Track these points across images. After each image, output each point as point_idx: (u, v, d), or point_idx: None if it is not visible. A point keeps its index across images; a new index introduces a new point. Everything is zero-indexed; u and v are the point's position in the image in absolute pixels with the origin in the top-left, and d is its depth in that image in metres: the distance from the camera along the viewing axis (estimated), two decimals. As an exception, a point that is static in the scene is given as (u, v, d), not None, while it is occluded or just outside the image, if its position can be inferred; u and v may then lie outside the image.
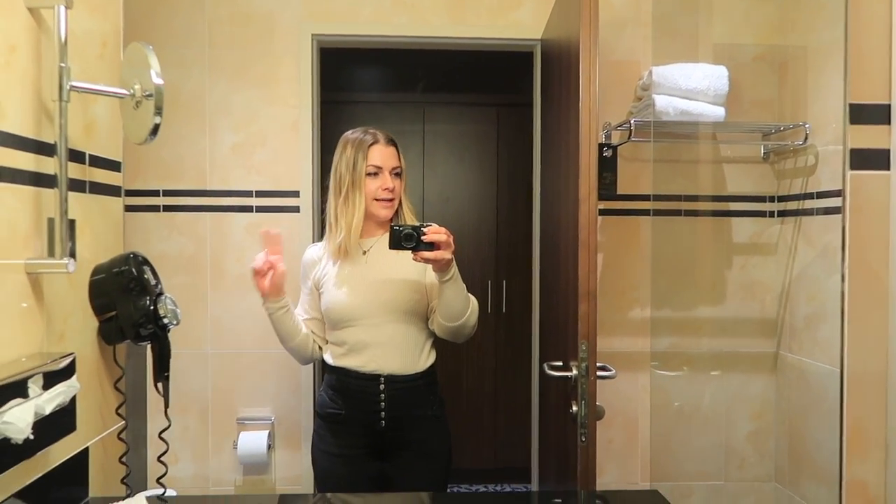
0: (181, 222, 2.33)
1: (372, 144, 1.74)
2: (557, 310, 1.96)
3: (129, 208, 2.29)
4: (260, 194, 2.35)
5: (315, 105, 2.40)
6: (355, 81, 3.79)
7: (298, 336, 1.79)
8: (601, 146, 2.33)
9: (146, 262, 1.33)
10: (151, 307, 1.28)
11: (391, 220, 1.78)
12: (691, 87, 2.19)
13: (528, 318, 2.62)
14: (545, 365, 1.79)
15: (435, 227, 1.54)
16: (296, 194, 2.35)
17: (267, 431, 2.32)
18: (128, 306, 1.27)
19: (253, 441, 2.28)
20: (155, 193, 2.32)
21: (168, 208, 2.33)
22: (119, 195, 1.42)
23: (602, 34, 2.31)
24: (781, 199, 2.41)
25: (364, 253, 1.77)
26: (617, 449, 2.42)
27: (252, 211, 2.35)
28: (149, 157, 2.30)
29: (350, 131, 1.81)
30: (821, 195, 2.16)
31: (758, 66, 2.41)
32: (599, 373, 1.63)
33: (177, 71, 2.31)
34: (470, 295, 1.70)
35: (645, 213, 2.42)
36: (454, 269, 1.60)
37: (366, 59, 3.72)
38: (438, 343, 1.82)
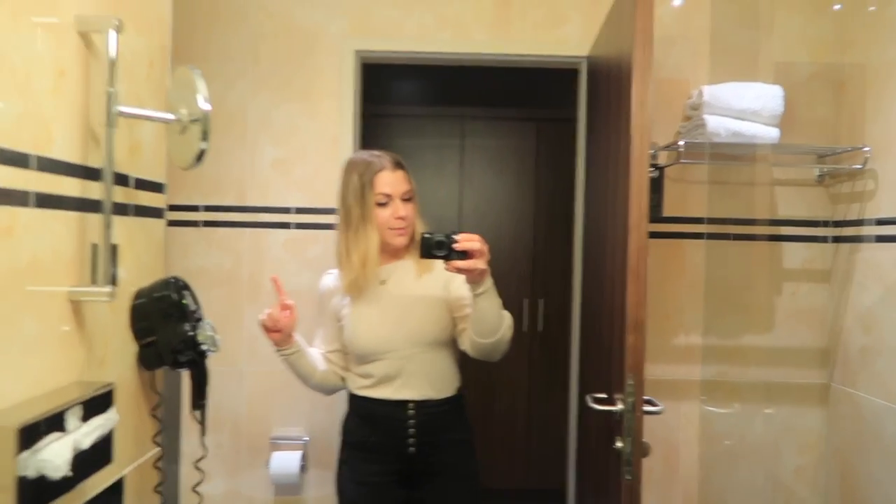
0: (220, 238, 2.33)
1: (379, 171, 1.65)
2: (601, 338, 1.90)
3: (169, 223, 2.29)
4: (299, 210, 2.33)
5: (356, 120, 2.38)
6: (395, 94, 3.77)
7: (317, 374, 1.73)
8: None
9: (187, 286, 1.31)
10: (191, 333, 1.26)
11: (407, 247, 1.71)
12: (744, 108, 2.11)
13: (564, 338, 2.56)
14: (588, 397, 1.73)
15: (467, 234, 1.46)
16: (334, 211, 2.32)
17: (300, 452, 2.29)
18: (167, 332, 1.25)
19: (286, 461, 2.25)
20: (195, 209, 2.32)
21: (208, 223, 2.32)
22: (161, 216, 1.41)
23: (650, 52, 2.25)
24: (837, 223, 2.31)
25: (382, 282, 1.70)
26: (657, 479, 2.34)
27: (290, 227, 2.33)
28: (190, 172, 2.29)
29: (354, 155, 1.74)
30: (881, 222, 2.06)
31: (813, 85, 2.32)
32: (646, 407, 1.57)
33: (219, 85, 2.30)
34: (503, 310, 1.60)
35: (691, 235, 2.34)
36: (489, 281, 1.51)
37: (406, 71, 3.69)
38: (470, 363, 1.75)
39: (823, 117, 2.32)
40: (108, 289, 1.04)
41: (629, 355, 1.54)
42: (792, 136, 2.25)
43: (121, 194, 1.22)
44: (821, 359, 2.34)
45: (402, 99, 3.78)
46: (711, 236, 2.33)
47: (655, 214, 2.31)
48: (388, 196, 1.64)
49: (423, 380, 1.67)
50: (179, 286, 1.29)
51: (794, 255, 2.35)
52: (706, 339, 2.34)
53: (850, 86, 2.25)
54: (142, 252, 1.31)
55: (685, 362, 2.35)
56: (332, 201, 2.31)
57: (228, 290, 2.33)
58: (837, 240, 2.30)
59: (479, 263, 1.44)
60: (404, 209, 1.66)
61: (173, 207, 2.29)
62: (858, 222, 2.18)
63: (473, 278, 1.48)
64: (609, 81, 1.93)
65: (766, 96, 2.12)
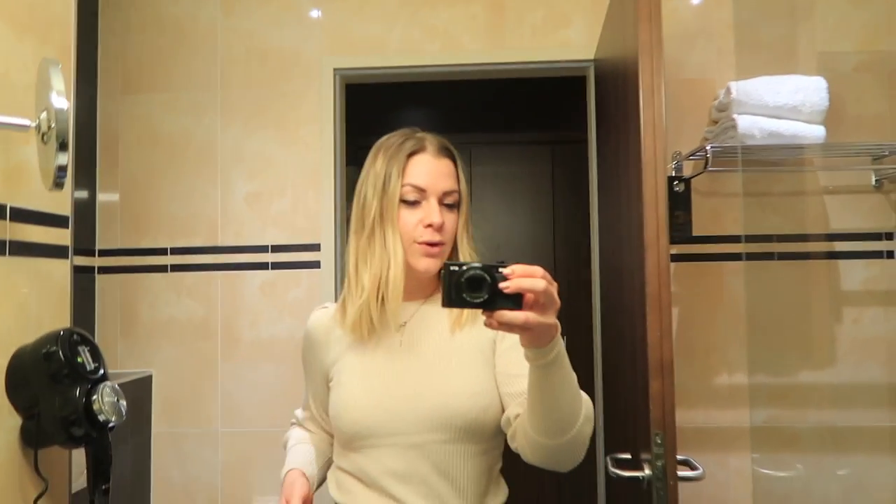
0: (191, 283, 2.08)
1: (414, 153, 1.10)
2: (624, 384, 1.57)
3: (134, 269, 2.08)
4: (276, 249, 2.08)
5: (339, 147, 2.13)
6: (393, 122, 3.53)
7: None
8: (671, 180, 1.95)
9: (85, 339, 1.05)
10: (83, 400, 0.99)
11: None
12: (781, 104, 1.80)
13: (591, 381, 2.22)
14: (609, 458, 1.39)
15: (523, 266, 0.80)
16: (316, 247, 2.07)
17: (283, 526, 1.98)
18: (52, 400, 0.98)
19: (267, 537, 1.95)
20: (162, 252, 2.08)
21: (176, 268, 2.08)
22: (65, 256, 1.15)
23: (667, 50, 1.96)
24: (902, 235, 1.96)
25: (400, 327, 1.12)
26: (707, 549, 1.97)
27: (268, 268, 2.07)
28: (157, 211, 2.08)
29: (388, 134, 1.16)
30: (959, 230, 1.71)
31: (862, 76, 2.00)
32: (682, 472, 1.23)
33: (188, 117, 2.10)
34: (580, 391, 0.96)
35: (728, 257, 2.01)
36: (559, 343, 0.86)
37: (404, 97, 3.46)
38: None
39: (877, 112, 1.99)
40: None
41: (655, 405, 1.21)
42: (840, 134, 1.92)
43: (-9, 228, 0.97)
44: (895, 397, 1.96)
45: (403, 127, 3.54)
46: (751, 256, 2.00)
47: (684, 234, 2.00)
48: (422, 191, 1.08)
49: (440, 492, 1.04)
50: (72, 340, 1.02)
51: (854, 274, 2.00)
52: (754, 378, 1.98)
53: (906, 74, 1.93)
54: (28, 299, 1.05)
55: (732, 406, 2.00)
56: (313, 237, 2.08)
57: (201, 341, 2.07)
58: (905, 254, 1.95)
59: (543, 317, 0.79)
60: (441, 215, 1.08)
61: (138, 252, 2.07)
62: (930, 232, 1.83)
63: (533, 339, 0.83)
64: (616, 83, 1.64)
65: (806, 89, 1.80)
